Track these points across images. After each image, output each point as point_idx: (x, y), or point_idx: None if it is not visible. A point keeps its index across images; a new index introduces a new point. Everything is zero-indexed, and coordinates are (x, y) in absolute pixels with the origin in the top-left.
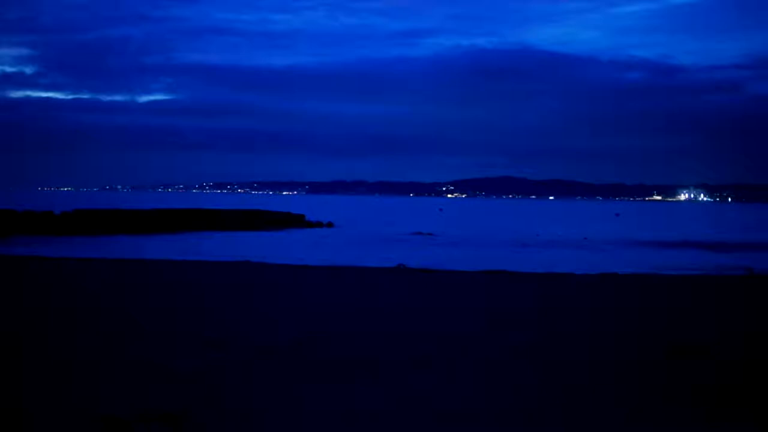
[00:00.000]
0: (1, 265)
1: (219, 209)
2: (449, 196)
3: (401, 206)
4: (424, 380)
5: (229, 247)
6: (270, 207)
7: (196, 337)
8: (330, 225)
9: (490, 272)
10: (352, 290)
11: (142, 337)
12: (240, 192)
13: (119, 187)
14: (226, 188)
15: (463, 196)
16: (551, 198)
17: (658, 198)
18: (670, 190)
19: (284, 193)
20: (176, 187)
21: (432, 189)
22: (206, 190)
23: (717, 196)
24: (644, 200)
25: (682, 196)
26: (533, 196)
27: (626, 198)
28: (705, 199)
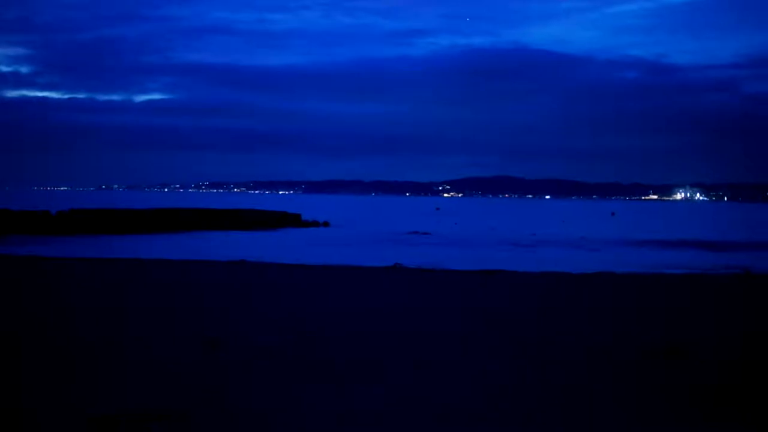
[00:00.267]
0: None
1: (215, 209)
2: (445, 195)
3: (397, 205)
4: (423, 380)
5: (225, 246)
6: (266, 206)
7: (193, 337)
8: (326, 224)
9: (487, 272)
10: (349, 290)
11: (138, 337)
12: (236, 191)
13: (116, 186)
14: (222, 188)
15: (459, 195)
16: (547, 197)
17: (654, 197)
18: (666, 189)
19: (281, 192)
20: (173, 186)
21: (428, 188)
22: (203, 189)
23: (713, 196)
24: (640, 199)
25: (678, 196)
26: (529, 196)
27: (622, 197)
28: (701, 198)
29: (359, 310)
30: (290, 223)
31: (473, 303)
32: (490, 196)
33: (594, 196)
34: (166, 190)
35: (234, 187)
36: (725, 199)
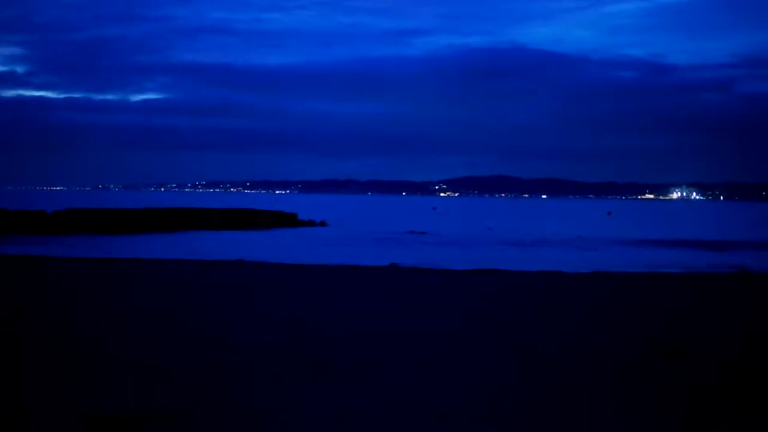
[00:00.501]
0: None
1: (211, 208)
2: (441, 194)
3: (394, 205)
4: (422, 380)
5: (221, 246)
6: (262, 206)
7: (191, 337)
8: (323, 224)
9: (483, 271)
10: (346, 289)
11: (135, 336)
12: (233, 191)
13: (112, 186)
14: (219, 187)
15: (456, 195)
16: (544, 197)
17: (651, 196)
18: (663, 188)
19: (277, 192)
20: (169, 186)
21: (424, 188)
22: (199, 189)
23: (709, 195)
24: (636, 199)
25: (675, 195)
26: (526, 195)
27: (618, 196)
28: (697, 197)
29: (357, 310)
30: (286, 223)
31: (472, 303)
32: (487, 195)
33: (590, 196)
34: (162, 189)
35: (230, 187)
36: (721, 198)
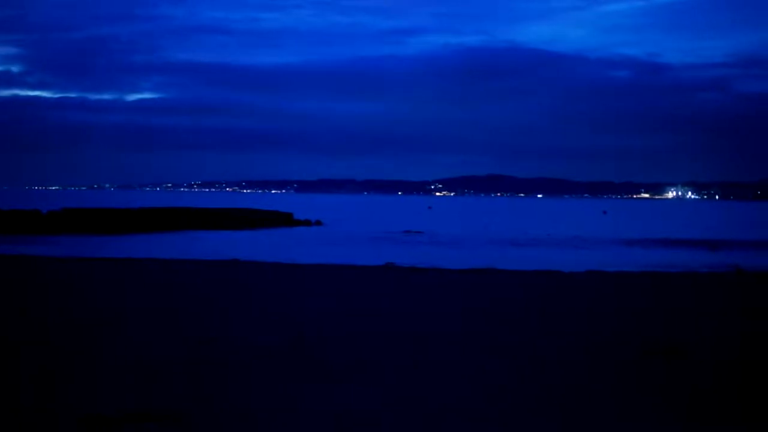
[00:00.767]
0: None
1: (207, 208)
2: (437, 194)
3: (390, 204)
4: (421, 380)
5: (217, 246)
6: (258, 206)
7: (187, 337)
8: (318, 223)
9: (480, 270)
10: (343, 289)
11: (132, 336)
12: (228, 191)
13: (107, 186)
14: (214, 187)
15: (452, 194)
16: (539, 196)
17: (646, 196)
18: (658, 187)
19: (273, 191)
20: (165, 186)
21: (420, 187)
22: (195, 188)
23: (704, 194)
24: (632, 198)
25: (670, 194)
26: (521, 194)
27: (614, 196)
28: (692, 196)
29: (355, 310)
30: (282, 223)
31: (470, 302)
32: (483, 195)
33: (586, 195)
34: (158, 189)
35: (226, 187)
36: (716, 197)
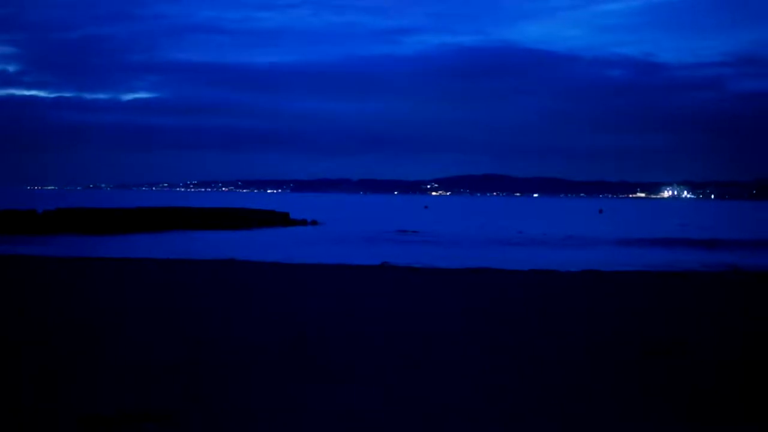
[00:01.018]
0: None
1: (203, 208)
2: (433, 193)
3: (386, 204)
4: (421, 380)
5: (213, 245)
6: (254, 205)
7: (184, 336)
8: (314, 223)
9: (477, 270)
10: (340, 288)
11: (129, 336)
12: (224, 190)
13: (103, 185)
14: (210, 186)
15: (448, 193)
16: (535, 195)
17: (642, 195)
18: (654, 187)
19: (269, 191)
20: (160, 185)
21: (416, 187)
22: (191, 188)
23: (700, 194)
24: (628, 197)
25: (666, 193)
26: (517, 194)
27: (609, 195)
28: (688, 196)
29: (353, 310)
30: (278, 222)
31: (469, 302)
32: (479, 194)
33: (581, 194)
34: (154, 189)
35: (222, 186)
36: (712, 197)
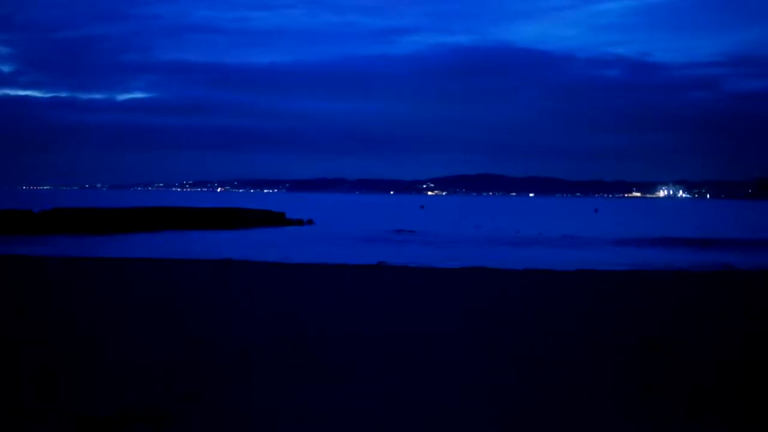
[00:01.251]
0: None
1: (199, 207)
2: (429, 193)
3: (382, 204)
4: (421, 380)
5: (209, 245)
6: (250, 205)
7: (181, 337)
8: (310, 222)
9: (474, 269)
10: (339, 288)
11: (126, 336)
12: (220, 190)
13: (99, 185)
14: (206, 186)
15: (444, 193)
16: (531, 195)
17: (637, 194)
18: (649, 186)
19: (265, 191)
20: (156, 185)
21: (412, 186)
22: (186, 188)
23: (695, 193)
24: (623, 197)
25: (661, 193)
26: (513, 193)
27: (605, 195)
28: (684, 195)
29: (352, 310)
30: (274, 222)
31: (468, 302)
32: (474, 194)
33: (577, 194)
34: (149, 189)
35: (218, 186)
36: (707, 196)
